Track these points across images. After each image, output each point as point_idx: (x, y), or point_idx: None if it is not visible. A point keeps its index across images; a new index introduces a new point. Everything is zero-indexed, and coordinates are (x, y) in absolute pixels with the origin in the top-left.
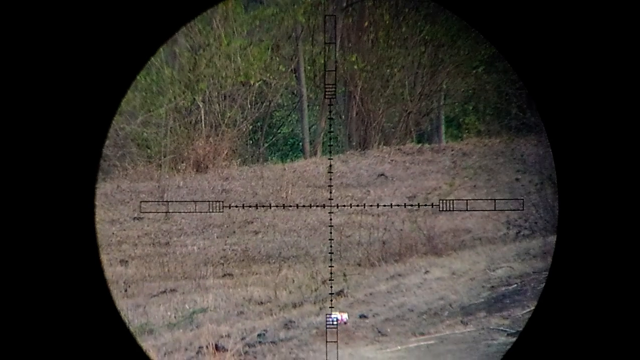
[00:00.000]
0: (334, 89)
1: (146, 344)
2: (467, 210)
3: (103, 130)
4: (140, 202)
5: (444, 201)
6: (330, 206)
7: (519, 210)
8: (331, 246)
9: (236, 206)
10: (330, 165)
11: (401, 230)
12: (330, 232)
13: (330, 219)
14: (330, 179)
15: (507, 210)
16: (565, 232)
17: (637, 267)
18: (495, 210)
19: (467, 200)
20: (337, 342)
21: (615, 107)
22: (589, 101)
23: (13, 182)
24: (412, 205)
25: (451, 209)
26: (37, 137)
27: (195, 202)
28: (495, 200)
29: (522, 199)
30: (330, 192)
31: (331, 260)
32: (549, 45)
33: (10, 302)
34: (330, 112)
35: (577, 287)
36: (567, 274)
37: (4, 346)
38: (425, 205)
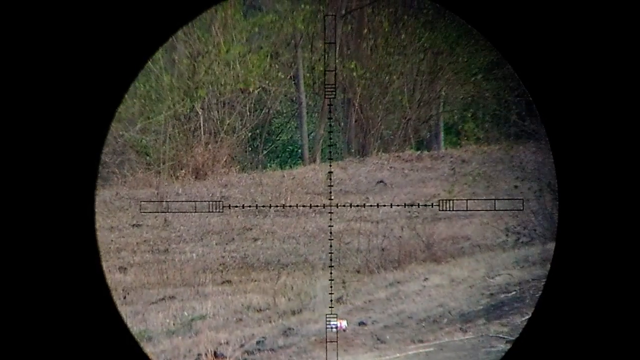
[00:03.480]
0: (334, 89)
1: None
2: (466, 210)
3: (101, 135)
4: (141, 202)
5: (444, 201)
6: (330, 206)
7: (519, 210)
8: (331, 246)
9: (242, 206)
10: (330, 165)
11: (400, 237)
12: (330, 233)
13: (330, 219)
14: (330, 179)
15: (507, 210)
16: (564, 239)
17: (635, 273)
18: (495, 210)
19: (467, 200)
20: (336, 341)
21: (617, 112)
22: (591, 106)
23: (11, 190)
24: (412, 205)
25: (451, 209)
26: (33, 144)
27: (195, 202)
28: (495, 200)
29: (522, 199)
30: (330, 192)
31: (331, 260)
32: (552, 49)
33: (11, 307)
34: (330, 112)
35: (575, 295)
36: (565, 281)
37: (8, 353)
38: (426, 205)
